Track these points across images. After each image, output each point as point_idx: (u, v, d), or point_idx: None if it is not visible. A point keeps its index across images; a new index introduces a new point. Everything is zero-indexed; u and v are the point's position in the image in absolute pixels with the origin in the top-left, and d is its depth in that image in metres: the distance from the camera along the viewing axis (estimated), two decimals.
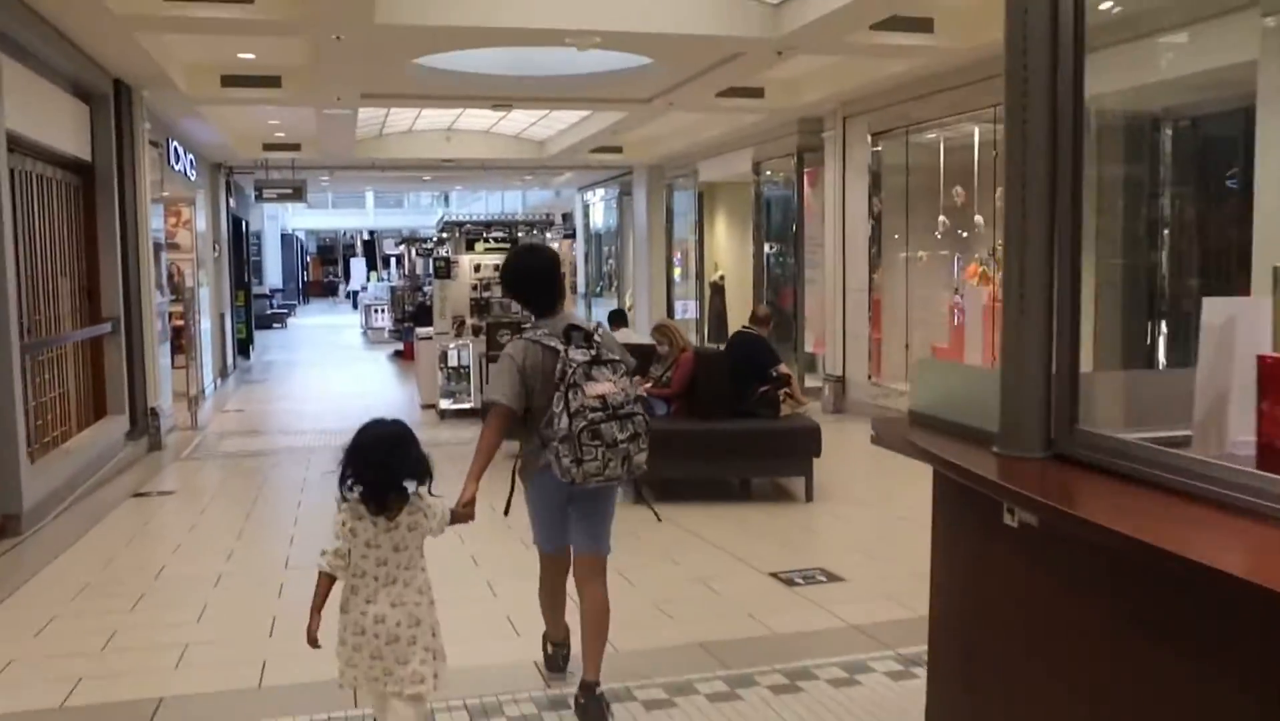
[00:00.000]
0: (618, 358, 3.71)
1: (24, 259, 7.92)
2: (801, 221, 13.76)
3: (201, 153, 15.68)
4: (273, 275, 38.00)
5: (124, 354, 9.71)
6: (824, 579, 5.68)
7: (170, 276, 12.94)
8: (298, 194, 17.92)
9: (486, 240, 13.12)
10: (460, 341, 12.51)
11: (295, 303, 41.94)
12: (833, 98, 12.13)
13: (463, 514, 3.46)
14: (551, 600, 4.14)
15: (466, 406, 12.40)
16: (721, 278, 17.79)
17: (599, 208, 24.19)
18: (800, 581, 5.63)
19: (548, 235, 13.93)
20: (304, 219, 47.17)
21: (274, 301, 33.11)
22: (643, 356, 8.72)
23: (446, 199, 52.40)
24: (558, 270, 4.01)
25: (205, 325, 15.45)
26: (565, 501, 3.82)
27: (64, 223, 9.01)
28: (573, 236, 24.06)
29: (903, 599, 5.13)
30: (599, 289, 24.03)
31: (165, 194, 13.23)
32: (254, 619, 5.14)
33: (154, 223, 11.48)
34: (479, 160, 18.37)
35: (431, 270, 12.95)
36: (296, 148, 16.85)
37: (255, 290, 28.16)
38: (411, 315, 20.58)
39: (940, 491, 3.18)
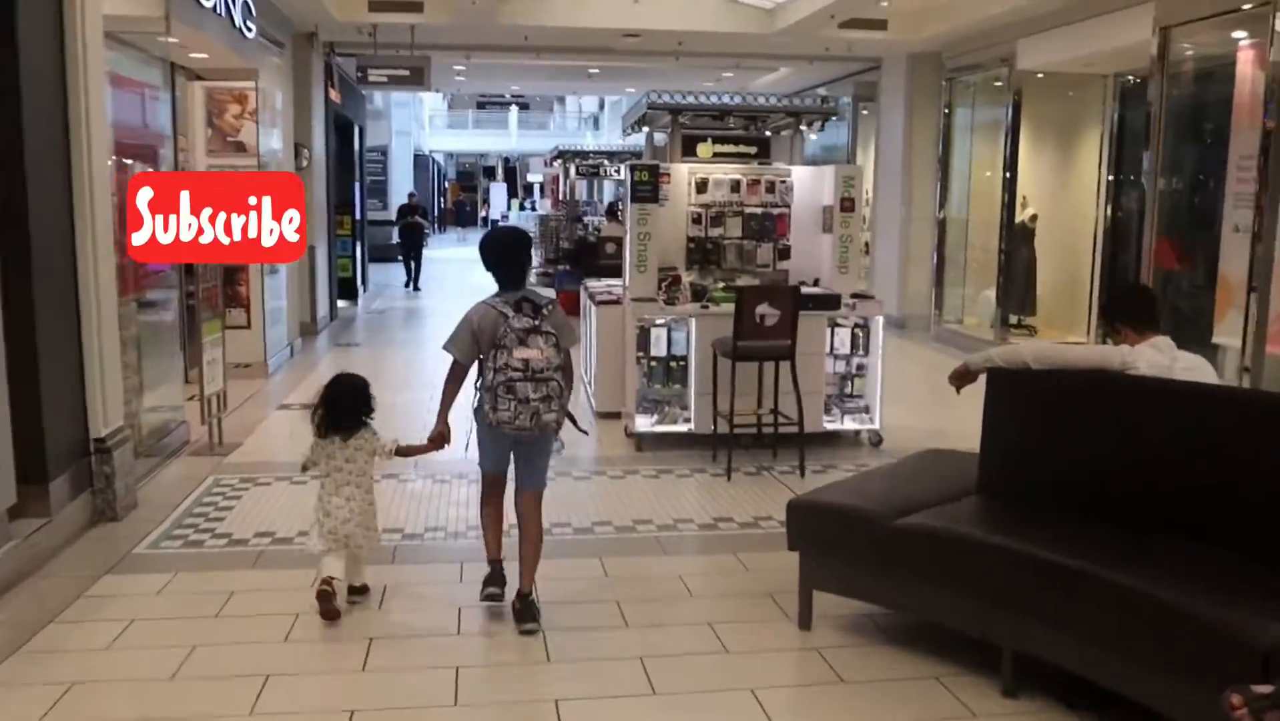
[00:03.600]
0: (554, 331, 4.11)
1: None
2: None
3: (278, 9, 10.45)
4: (401, 200, 33.18)
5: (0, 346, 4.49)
6: None
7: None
8: (416, 77, 12.41)
9: (717, 140, 7.58)
10: (674, 312, 7.04)
11: (430, 232, 37.29)
12: None
13: (430, 446, 4.36)
14: (489, 519, 4.53)
15: (683, 430, 6.97)
16: (1033, 218, 11.84)
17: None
18: None
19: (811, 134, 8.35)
20: (441, 139, 42.59)
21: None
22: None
23: (596, 122, 46.68)
24: (526, 251, 4.43)
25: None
26: (507, 442, 4.30)
27: None
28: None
29: None
30: None
31: (210, 62, 8.06)
32: None
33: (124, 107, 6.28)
34: (676, 35, 12.65)
35: (628, 188, 7.35)
36: (417, 8, 11.54)
37: (376, 216, 23.49)
38: (569, 255, 15.38)
39: None
